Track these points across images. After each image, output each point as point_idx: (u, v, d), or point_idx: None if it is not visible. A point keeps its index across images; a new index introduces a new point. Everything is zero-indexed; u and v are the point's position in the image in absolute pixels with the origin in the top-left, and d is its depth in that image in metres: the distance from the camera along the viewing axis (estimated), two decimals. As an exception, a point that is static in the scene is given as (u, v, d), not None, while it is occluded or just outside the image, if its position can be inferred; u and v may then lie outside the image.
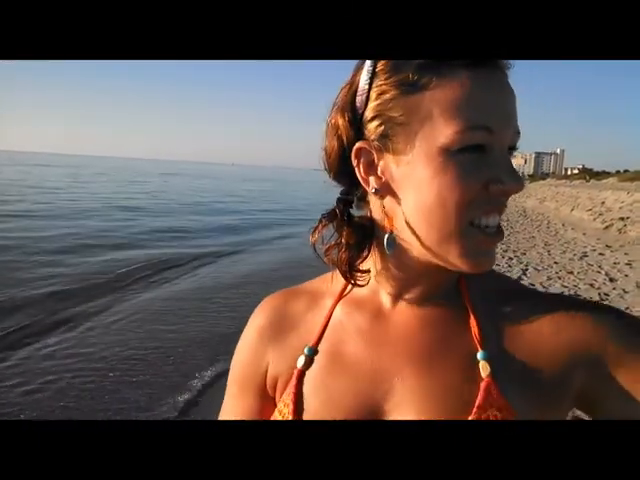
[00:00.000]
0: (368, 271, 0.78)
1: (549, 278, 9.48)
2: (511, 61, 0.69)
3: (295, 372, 0.79)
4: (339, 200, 0.78)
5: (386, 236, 0.73)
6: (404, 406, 0.71)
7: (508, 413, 0.67)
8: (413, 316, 0.77)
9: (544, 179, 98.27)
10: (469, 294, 0.77)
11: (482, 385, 0.69)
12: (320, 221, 0.79)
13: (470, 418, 0.67)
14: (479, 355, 0.71)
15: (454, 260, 0.69)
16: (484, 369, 0.70)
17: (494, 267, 0.74)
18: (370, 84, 0.70)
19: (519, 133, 0.70)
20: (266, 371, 0.84)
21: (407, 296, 0.78)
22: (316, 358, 0.79)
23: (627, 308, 7.39)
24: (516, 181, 0.67)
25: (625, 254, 12.72)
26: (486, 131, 0.65)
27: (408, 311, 0.78)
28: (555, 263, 11.23)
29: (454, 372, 0.72)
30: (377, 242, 0.77)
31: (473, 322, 0.74)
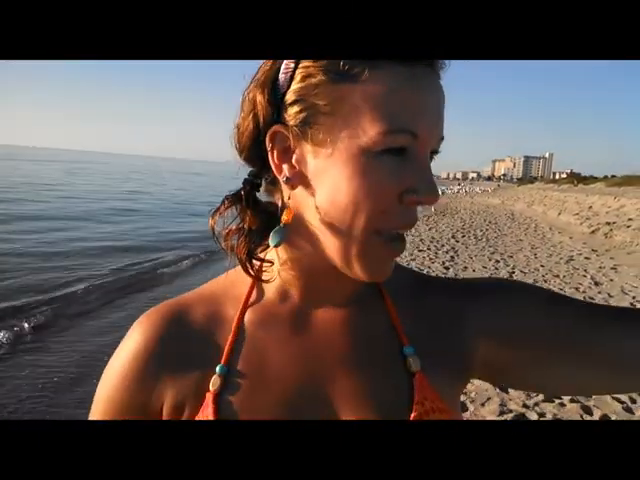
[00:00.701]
0: (271, 262, 0.72)
1: (535, 281, 9.52)
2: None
3: (209, 396, 0.68)
4: (246, 182, 0.72)
5: (276, 227, 0.69)
6: (340, 414, 0.69)
7: (439, 403, 0.69)
8: (332, 319, 0.73)
9: (532, 183, 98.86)
10: (386, 290, 0.76)
11: (415, 380, 0.69)
12: (222, 202, 0.71)
13: (413, 415, 0.67)
14: (406, 350, 0.71)
15: (351, 265, 0.66)
16: (414, 364, 0.70)
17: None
18: (297, 63, 0.64)
19: (443, 138, 0.67)
20: (160, 405, 0.71)
21: (320, 297, 0.74)
22: (231, 378, 0.70)
23: (612, 312, 7.44)
24: (432, 193, 0.64)
25: (611, 258, 12.82)
26: (411, 135, 0.61)
27: (326, 314, 0.73)
28: (541, 266, 11.29)
29: (385, 370, 0.71)
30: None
31: (394, 317, 0.74)
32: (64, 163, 78.59)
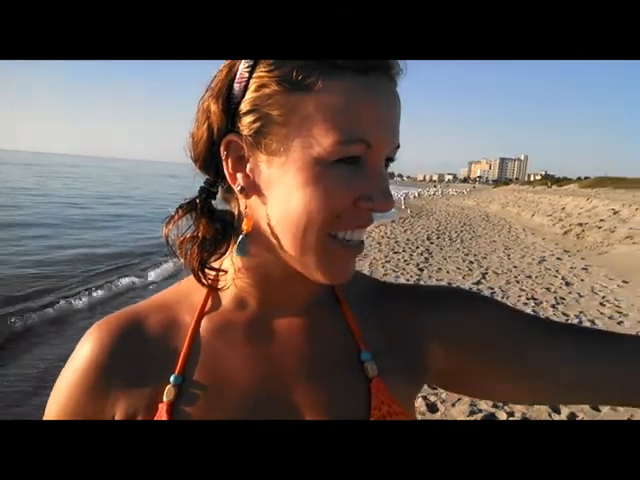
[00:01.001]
0: (225, 271, 0.72)
1: (508, 282, 9.65)
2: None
3: (162, 407, 0.68)
4: (201, 190, 0.71)
5: (240, 237, 0.69)
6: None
7: (397, 407, 0.70)
8: (290, 326, 0.74)
9: (507, 184, 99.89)
10: (344, 296, 0.77)
11: (372, 385, 0.70)
12: (177, 211, 0.71)
13: (371, 420, 0.69)
14: (363, 356, 0.72)
15: (311, 270, 0.67)
16: (371, 369, 0.71)
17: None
18: (251, 72, 0.64)
19: (399, 146, 0.67)
20: (111, 417, 0.70)
21: (277, 305, 0.74)
22: (186, 388, 0.69)
23: (581, 312, 7.58)
24: (386, 200, 0.64)
25: (582, 259, 13.04)
26: (365, 145, 0.62)
27: (283, 322, 0.74)
28: (514, 267, 11.42)
29: (342, 376, 0.72)
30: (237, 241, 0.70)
31: (352, 324, 0.74)
32: (36, 167, 77.16)
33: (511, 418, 4.29)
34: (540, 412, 4.44)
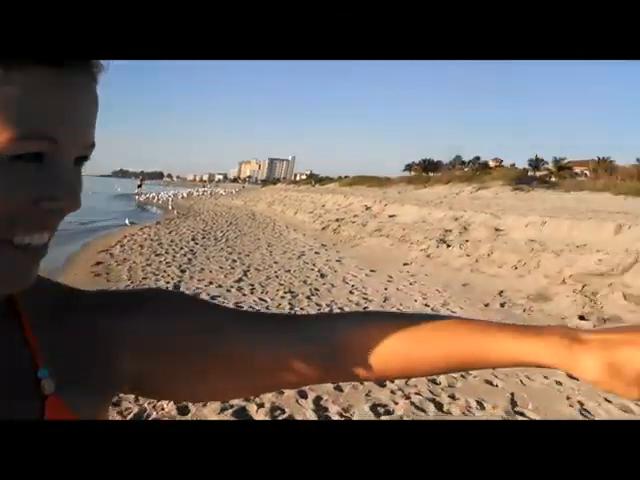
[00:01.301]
0: None
1: (268, 277, 10.06)
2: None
3: None
4: None
5: None
6: None
7: None
8: None
9: (275, 184, 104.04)
10: (23, 307, 0.70)
11: (47, 403, 0.65)
12: None
13: None
14: (40, 373, 0.66)
15: None
16: (47, 387, 0.66)
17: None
18: None
19: (94, 145, 0.63)
20: None
21: None
22: None
23: (333, 301, 8.20)
24: (71, 199, 0.60)
25: (337, 252, 14.10)
26: (49, 141, 0.57)
27: None
28: (275, 263, 11.95)
29: (16, 397, 0.65)
30: None
31: (31, 338, 0.68)
32: None
33: (261, 409, 4.43)
34: (289, 399, 4.63)
